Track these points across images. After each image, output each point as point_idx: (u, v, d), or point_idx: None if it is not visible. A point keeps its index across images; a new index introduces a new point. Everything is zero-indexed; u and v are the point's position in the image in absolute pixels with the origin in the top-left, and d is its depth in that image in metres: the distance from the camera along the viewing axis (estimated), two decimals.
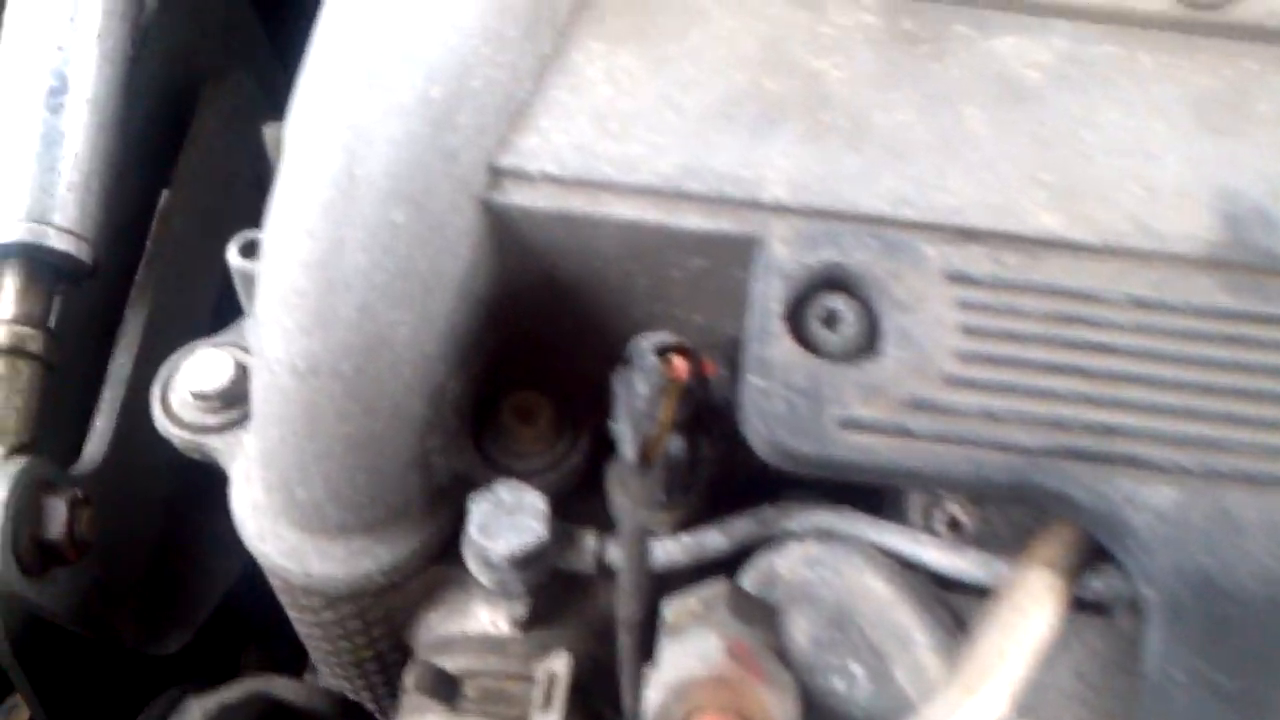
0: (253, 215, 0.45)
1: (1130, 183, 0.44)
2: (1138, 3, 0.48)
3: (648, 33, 0.47)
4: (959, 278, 0.42)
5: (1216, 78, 0.47)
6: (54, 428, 0.59)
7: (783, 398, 0.40)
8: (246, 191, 0.74)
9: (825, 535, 0.46)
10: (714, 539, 0.47)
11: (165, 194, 0.70)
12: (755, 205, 0.44)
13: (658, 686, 0.41)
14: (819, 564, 0.45)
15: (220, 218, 0.71)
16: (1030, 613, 0.39)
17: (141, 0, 0.65)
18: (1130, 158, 0.45)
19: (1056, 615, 0.39)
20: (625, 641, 0.46)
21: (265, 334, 0.45)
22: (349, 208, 0.43)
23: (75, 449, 0.63)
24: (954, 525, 0.46)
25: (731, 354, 0.46)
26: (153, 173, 0.69)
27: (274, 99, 0.75)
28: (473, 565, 0.46)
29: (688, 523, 0.48)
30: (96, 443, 0.61)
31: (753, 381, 0.40)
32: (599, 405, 0.48)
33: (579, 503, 0.50)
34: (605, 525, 0.49)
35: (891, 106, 0.46)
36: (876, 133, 0.45)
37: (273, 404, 0.45)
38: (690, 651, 0.42)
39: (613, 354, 0.47)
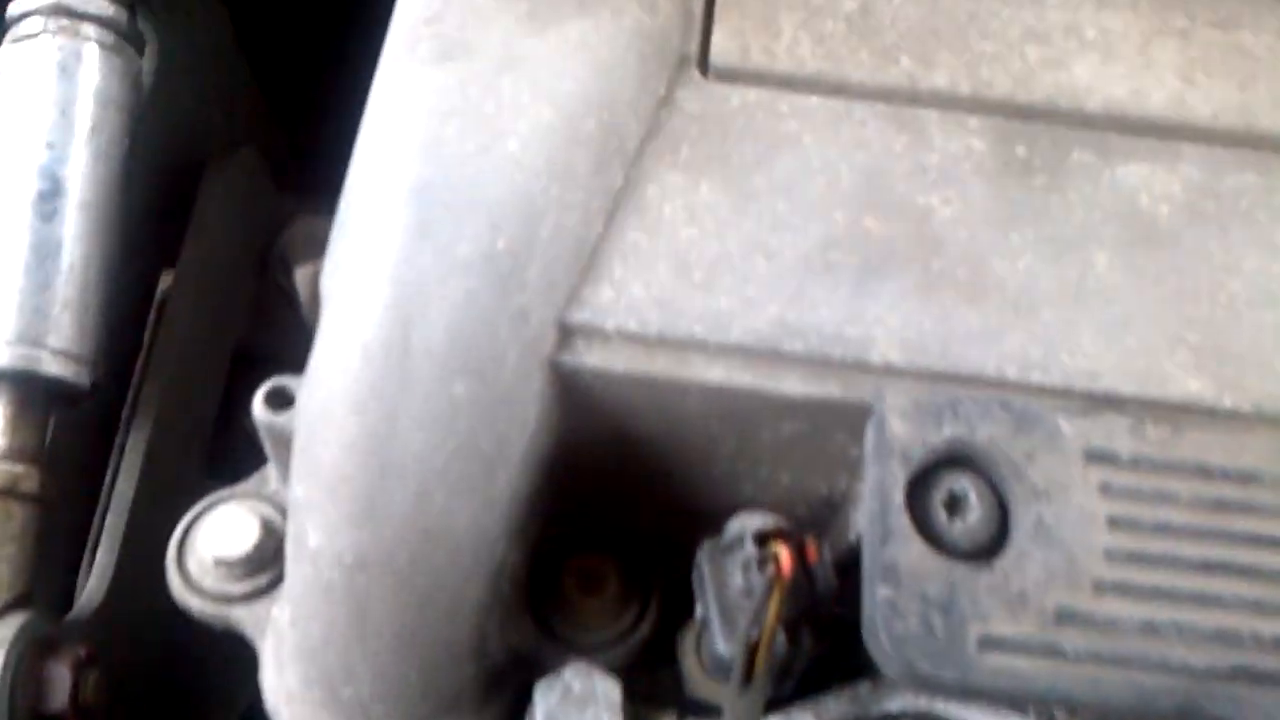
0: (254, 303, 0.39)
1: (1264, 336, 0.40)
2: (1274, 122, 0.43)
3: (731, 162, 0.42)
4: (1100, 456, 0.37)
5: None
6: (47, 560, 0.54)
7: (917, 613, 0.35)
8: (249, 277, 0.68)
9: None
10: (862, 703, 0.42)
11: (164, 284, 0.64)
12: (864, 368, 0.39)
13: None
14: None
15: (223, 310, 0.66)
16: None
17: (138, 81, 0.59)
18: (1269, 308, 0.40)
19: None
20: None
21: (306, 521, 0.39)
22: (404, 382, 0.38)
23: (70, 581, 0.57)
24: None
25: (822, 514, 0.41)
26: (153, 262, 0.63)
27: (279, 171, 0.70)
28: None
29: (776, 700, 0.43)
30: (98, 580, 0.55)
31: (881, 592, 0.35)
32: (669, 566, 0.43)
33: (644, 671, 0.45)
34: (674, 697, 0.44)
35: (1011, 251, 0.41)
36: (996, 283, 0.40)
37: (315, 598, 0.40)
38: None
39: (687, 510, 0.42)
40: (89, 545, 0.59)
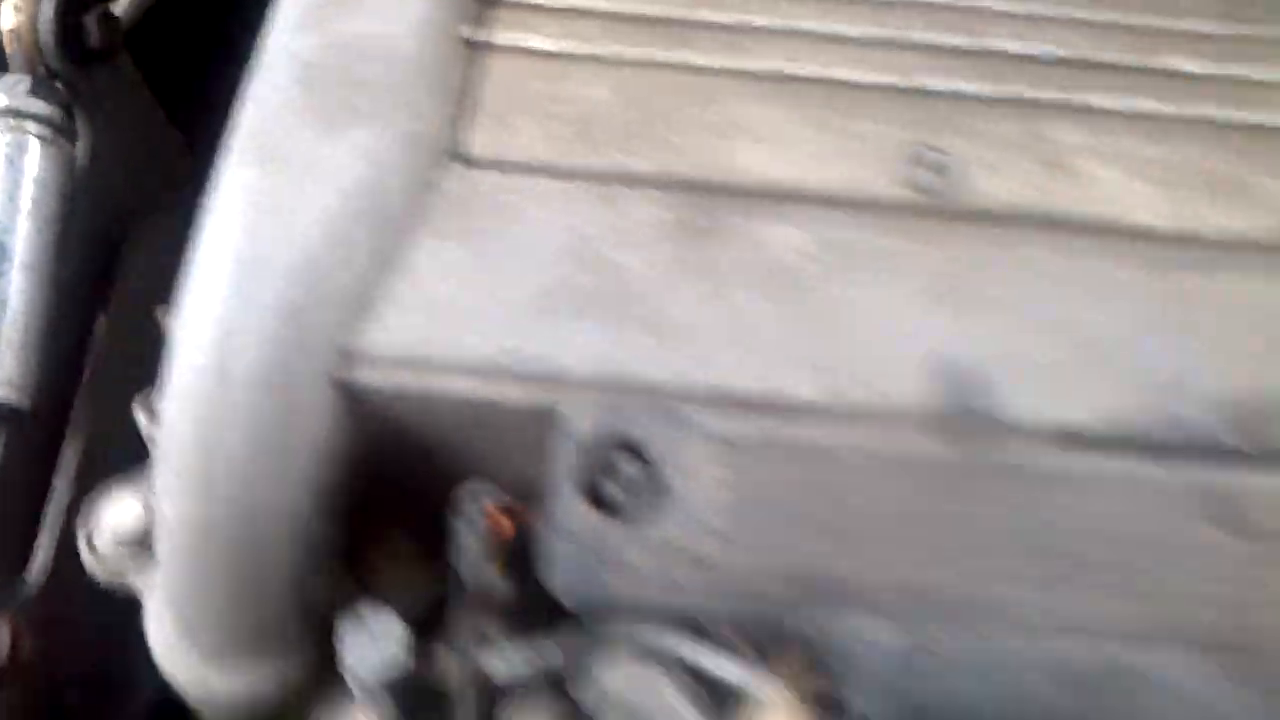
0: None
1: (873, 355, 0.54)
2: (878, 191, 0.58)
3: (475, 231, 0.56)
4: (727, 442, 0.51)
5: (947, 258, 0.56)
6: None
7: (576, 556, 0.49)
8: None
9: (646, 652, 0.55)
10: (551, 653, 0.56)
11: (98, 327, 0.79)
12: (563, 381, 0.53)
13: None
14: (637, 681, 0.55)
15: (146, 348, 0.81)
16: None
17: (72, 166, 0.75)
18: (875, 332, 0.54)
19: None
20: None
21: (164, 500, 0.54)
22: (224, 397, 0.52)
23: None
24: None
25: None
26: (87, 312, 0.78)
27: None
28: (348, 682, 0.56)
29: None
30: (39, 566, 0.70)
31: (550, 537, 0.50)
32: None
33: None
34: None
35: (681, 295, 0.55)
36: (668, 319, 0.54)
37: (172, 561, 0.55)
38: None
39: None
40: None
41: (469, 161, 0.58)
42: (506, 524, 0.52)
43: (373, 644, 0.54)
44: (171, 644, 0.58)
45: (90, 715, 0.74)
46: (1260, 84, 0.62)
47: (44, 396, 0.70)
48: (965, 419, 0.52)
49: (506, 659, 0.55)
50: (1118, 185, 0.59)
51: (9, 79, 0.72)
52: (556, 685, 0.55)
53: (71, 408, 0.75)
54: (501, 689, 0.55)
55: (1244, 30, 0.63)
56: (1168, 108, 0.61)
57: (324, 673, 0.59)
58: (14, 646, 0.63)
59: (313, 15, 0.60)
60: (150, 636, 0.59)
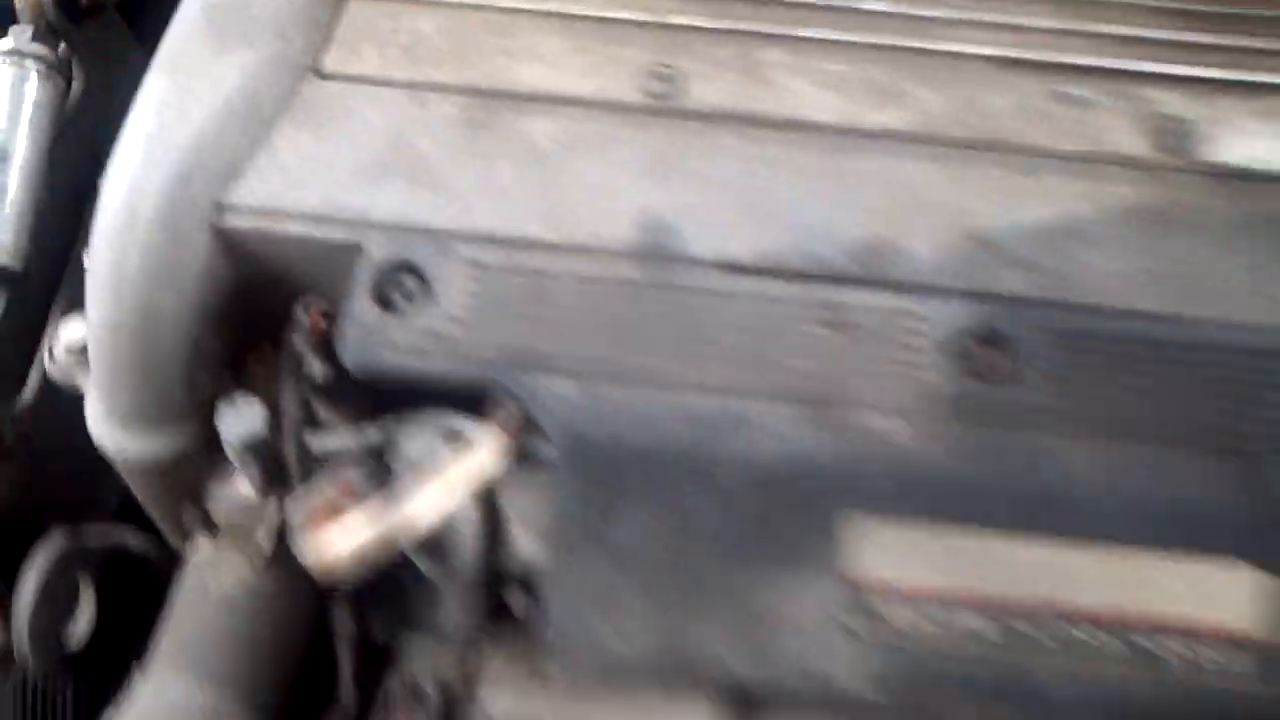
0: None
1: (593, 209, 0.74)
2: (619, 96, 0.78)
3: (318, 123, 0.78)
4: (478, 264, 0.72)
5: (666, 145, 0.76)
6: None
7: (360, 336, 0.70)
8: None
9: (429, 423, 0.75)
10: (373, 434, 0.77)
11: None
12: (367, 225, 0.74)
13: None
14: (420, 443, 0.75)
15: None
16: (478, 453, 0.68)
17: (64, 97, 0.98)
18: (597, 194, 0.75)
19: (494, 456, 0.68)
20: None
21: (90, 308, 0.76)
22: (131, 233, 0.74)
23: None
24: None
25: None
26: (76, 205, 1.01)
27: None
28: (226, 450, 0.77)
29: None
30: (29, 389, 0.93)
31: (345, 327, 0.71)
32: None
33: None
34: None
35: (458, 168, 0.76)
36: (445, 184, 0.75)
37: (95, 350, 0.77)
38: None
39: None
40: None
41: (323, 75, 0.80)
42: (322, 321, 0.73)
43: (240, 421, 0.76)
44: (99, 419, 0.80)
45: (77, 497, 0.96)
46: (926, 19, 0.81)
47: (37, 263, 0.93)
48: (655, 253, 0.72)
49: (331, 436, 0.76)
50: (803, 93, 0.78)
51: (16, 29, 0.95)
52: (376, 456, 0.76)
53: (62, 275, 0.98)
54: (322, 458, 0.76)
55: None
56: (851, 36, 0.80)
57: (211, 449, 0.80)
58: (2, 435, 0.86)
59: None
60: (87, 416, 0.81)
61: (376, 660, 0.78)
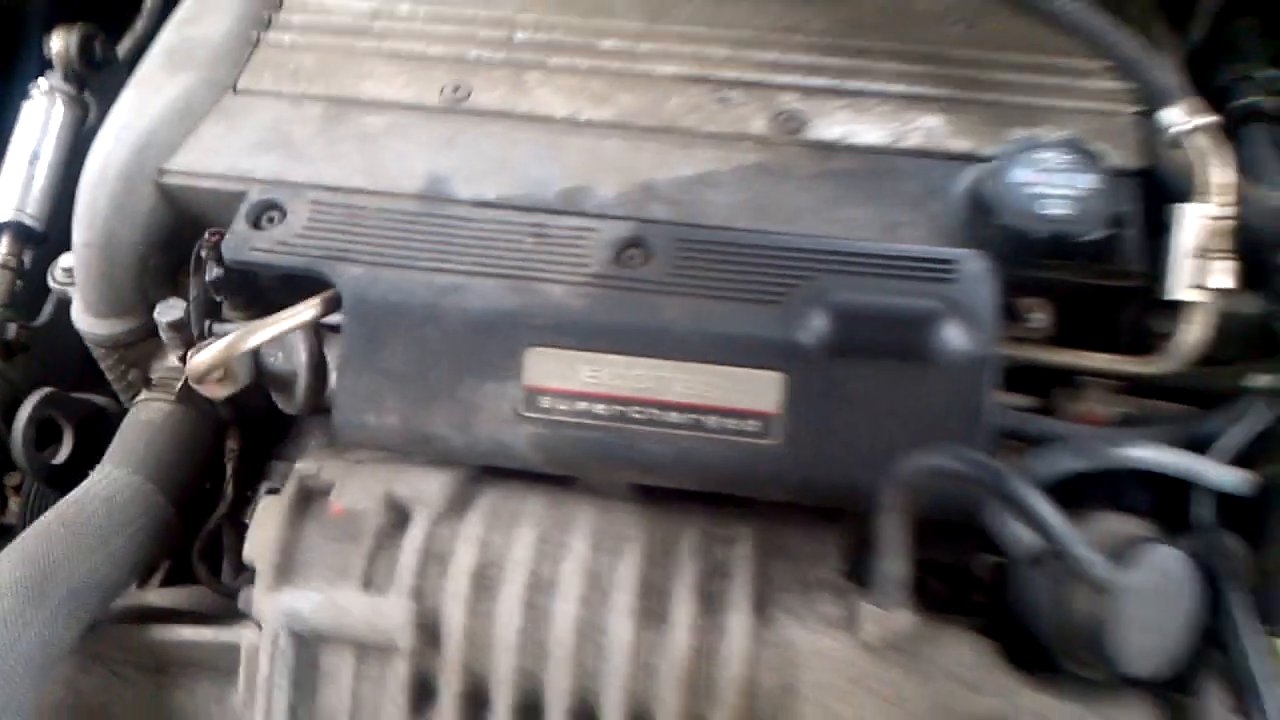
0: None
1: (397, 168, 1.14)
2: (427, 101, 1.19)
3: (230, 120, 1.19)
4: (317, 203, 1.12)
5: (453, 131, 1.16)
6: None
7: (234, 242, 1.10)
8: None
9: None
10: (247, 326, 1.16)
11: None
12: (252, 181, 1.14)
13: None
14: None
15: None
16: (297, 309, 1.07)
17: (83, 121, 1.40)
18: (401, 160, 1.14)
19: (310, 310, 1.07)
20: None
21: (74, 236, 1.17)
22: (102, 186, 1.15)
23: None
24: None
25: None
26: None
27: None
28: (160, 331, 1.16)
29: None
30: (44, 311, 1.34)
31: (227, 240, 1.10)
32: None
33: None
34: None
35: (314, 144, 1.16)
36: (304, 154, 1.15)
37: (76, 264, 1.17)
38: None
39: None
40: None
41: (237, 91, 1.21)
42: (217, 238, 1.13)
43: (169, 310, 1.15)
44: (79, 311, 1.20)
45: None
46: (637, 52, 1.21)
47: (54, 228, 1.34)
48: (432, 194, 1.12)
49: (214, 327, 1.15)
50: (546, 99, 1.18)
51: (51, 73, 1.38)
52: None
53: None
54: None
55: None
56: (585, 63, 1.20)
57: (151, 332, 1.19)
58: (21, 339, 1.26)
59: (177, 20, 1.25)
60: (72, 313, 1.21)
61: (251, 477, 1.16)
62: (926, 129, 1.13)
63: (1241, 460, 0.94)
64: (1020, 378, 1.03)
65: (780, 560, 0.99)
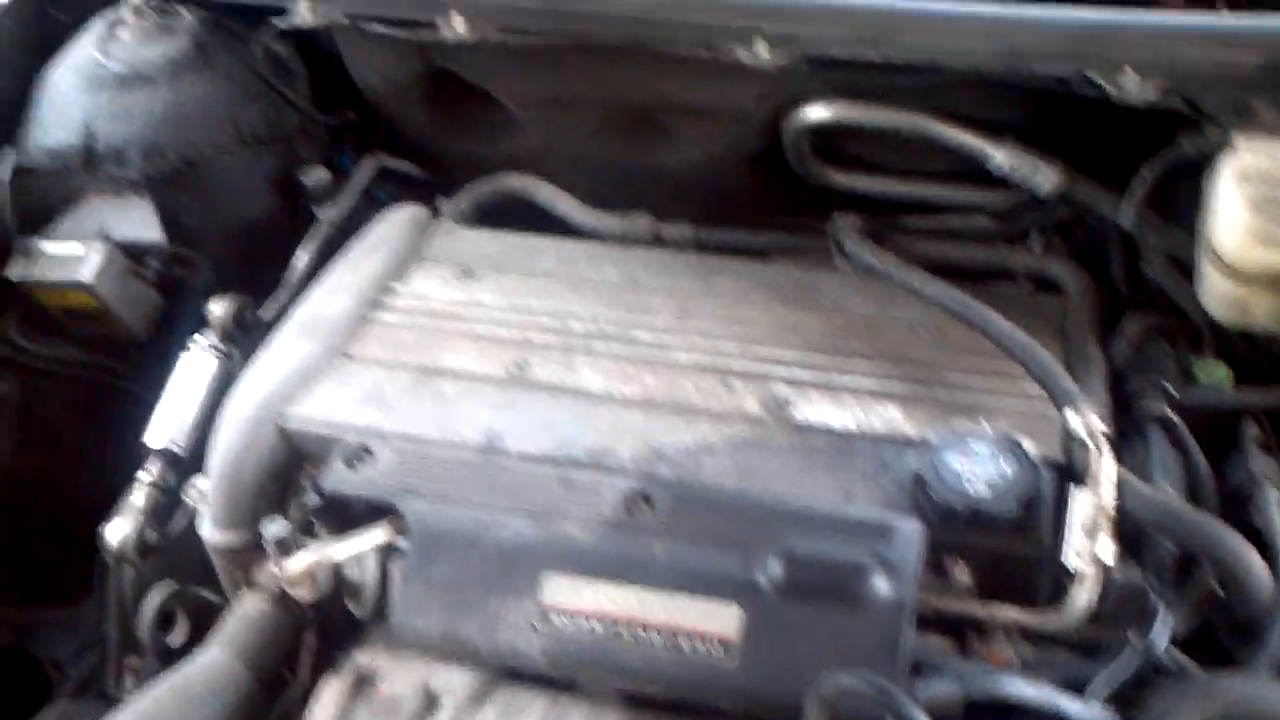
0: None
1: (462, 424, 1.44)
2: (492, 372, 1.50)
3: (341, 381, 1.52)
4: (399, 450, 1.42)
5: (512, 397, 1.47)
6: None
7: (328, 479, 1.40)
8: None
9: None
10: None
11: None
12: (348, 429, 1.45)
13: None
14: None
15: None
16: (370, 532, 1.35)
17: (230, 368, 1.75)
18: (468, 418, 1.45)
19: (381, 536, 1.35)
20: None
21: (209, 467, 1.49)
22: (236, 428, 1.47)
23: None
24: None
25: None
26: None
27: None
28: (264, 544, 1.46)
29: None
30: (175, 519, 1.64)
31: (326, 474, 1.41)
32: None
33: None
34: None
35: (402, 403, 1.48)
36: (394, 410, 1.47)
37: (210, 488, 1.49)
38: None
39: None
40: None
41: (349, 357, 1.55)
42: (316, 474, 1.43)
43: (274, 528, 1.45)
44: (207, 525, 1.50)
45: None
46: (662, 345, 1.51)
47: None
48: (489, 448, 1.41)
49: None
50: (587, 376, 1.48)
51: (208, 332, 1.74)
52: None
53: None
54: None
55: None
56: (621, 350, 1.51)
57: (259, 544, 1.48)
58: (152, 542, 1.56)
59: (311, 299, 1.60)
60: (200, 527, 1.51)
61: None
62: (887, 418, 1.39)
63: (1120, 700, 1.14)
64: (948, 626, 1.25)
65: None
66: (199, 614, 1.48)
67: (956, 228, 1.76)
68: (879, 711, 1.11)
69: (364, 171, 1.95)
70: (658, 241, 1.77)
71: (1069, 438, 1.24)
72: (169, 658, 1.44)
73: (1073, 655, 1.21)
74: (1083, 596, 1.19)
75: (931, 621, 1.22)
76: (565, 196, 1.83)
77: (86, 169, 1.83)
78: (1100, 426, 1.23)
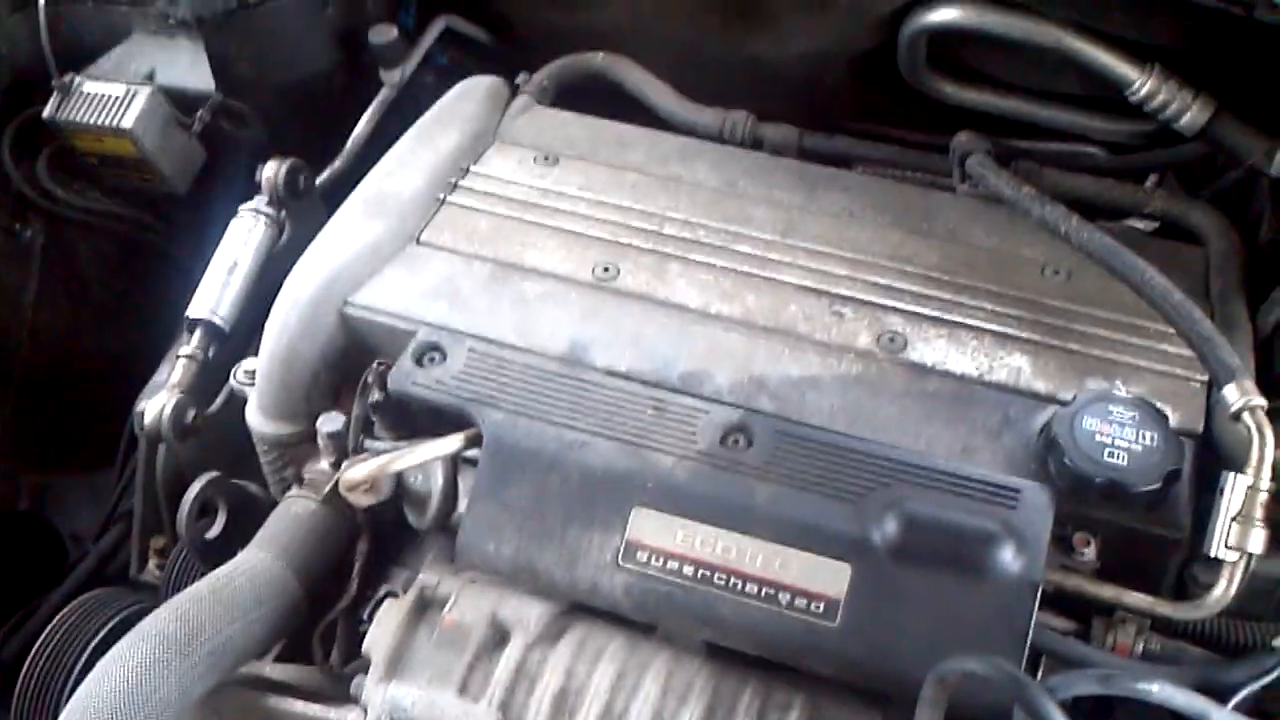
0: None
1: (545, 330, 1.31)
2: (580, 276, 1.36)
3: (412, 267, 1.38)
4: (474, 350, 1.29)
5: (598, 305, 1.34)
6: None
7: (395, 375, 1.27)
8: None
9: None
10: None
11: None
12: (420, 322, 1.33)
13: None
14: None
15: None
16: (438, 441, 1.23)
17: (277, 238, 1.61)
18: (550, 323, 1.32)
19: (451, 445, 1.23)
20: None
21: (262, 345, 1.36)
22: (293, 309, 1.34)
23: None
24: None
25: None
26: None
27: None
28: (318, 439, 1.34)
29: None
30: (217, 401, 1.52)
31: (394, 370, 1.28)
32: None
33: None
34: None
35: (478, 300, 1.35)
36: (470, 307, 1.34)
37: (260, 370, 1.36)
38: None
39: None
40: None
41: (419, 243, 1.41)
42: (385, 368, 1.30)
43: (329, 422, 1.32)
44: (253, 411, 1.38)
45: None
46: (768, 259, 1.38)
47: (238, 328, 1.54)
48: (571, 359, 1.28)
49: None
50: (683, 289, 1.35)
51: (259, 197, 1.60)
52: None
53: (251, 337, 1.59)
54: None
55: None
56: (720, 262, 1.37)
57: (309, 438, 1.37)
58: (197, 422, 1.45)
59: (378, 173, 1.45)
60: (246, 411, 1.39)
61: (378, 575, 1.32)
62: (1013, 367, 1.27)
63: (1256, 714, 1.04)
64: (1065, 603, 1.14)
65: None
66: (239, 506, 1.36)
67: (1065, 157, 1.62)
68: (1000, 698, 1.00)
69: (433, 34, 1.78)
70: (756, 144, 1.61)
71: (1226, 415, 1.12)
72: (207, 552, 1.33)
73: (1206, 652, 1.11)
74: (1225, 588, 1.08)
75: (1050, 599, 1.11)
76: (658, 83, 1.67)
77: (134, 2, 1.66)
78: (1262, 404, 1.10)
